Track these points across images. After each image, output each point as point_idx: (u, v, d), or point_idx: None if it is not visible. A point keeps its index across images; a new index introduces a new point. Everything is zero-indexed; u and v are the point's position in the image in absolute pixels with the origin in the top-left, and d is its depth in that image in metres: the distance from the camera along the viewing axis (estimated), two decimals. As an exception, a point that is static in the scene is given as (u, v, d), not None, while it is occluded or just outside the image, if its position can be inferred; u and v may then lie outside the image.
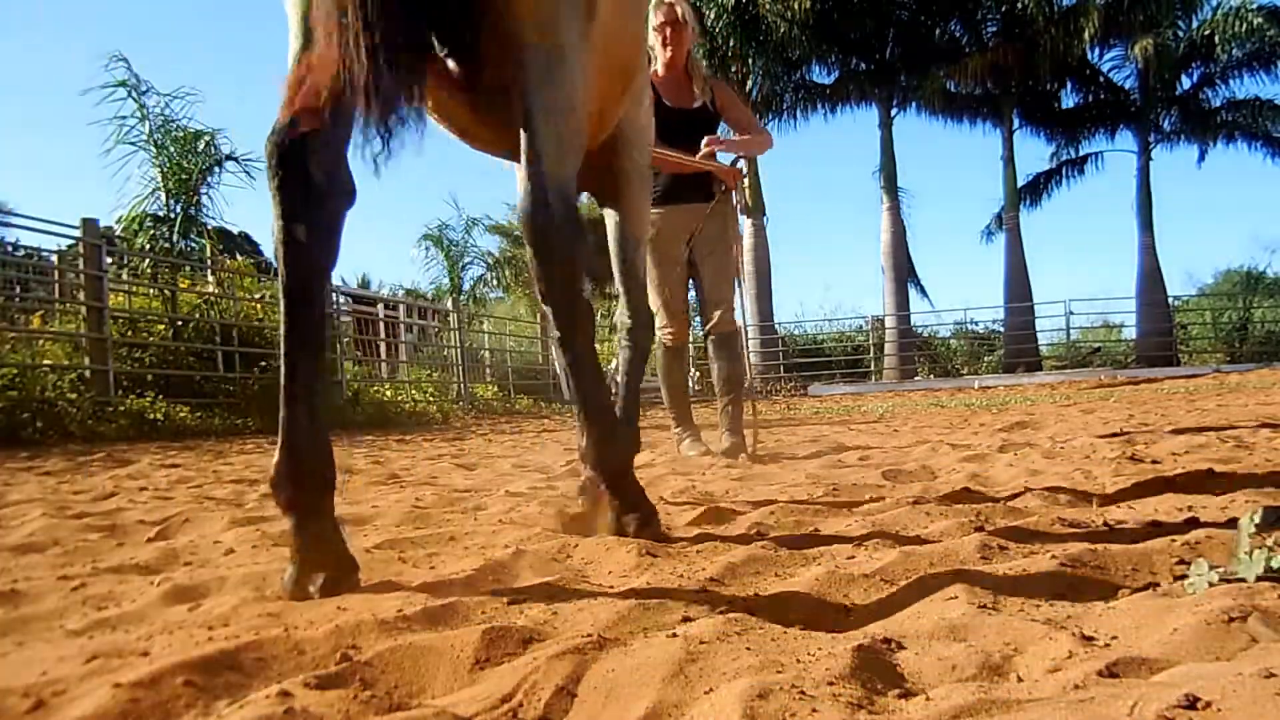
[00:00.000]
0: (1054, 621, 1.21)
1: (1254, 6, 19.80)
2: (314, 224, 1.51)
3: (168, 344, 9.37)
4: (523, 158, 1.66)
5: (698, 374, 13.71)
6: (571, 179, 1.71)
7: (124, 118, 9.62)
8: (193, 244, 10.54)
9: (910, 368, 21.81)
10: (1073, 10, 19.93)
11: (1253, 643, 1.06)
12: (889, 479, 3.13)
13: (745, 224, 21.94)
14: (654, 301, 4.33)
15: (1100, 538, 1.76)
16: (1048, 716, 0.84)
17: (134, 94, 9.59)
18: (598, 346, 2.42)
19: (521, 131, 1.67)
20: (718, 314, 4.58)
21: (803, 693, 0.93)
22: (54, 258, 10.34)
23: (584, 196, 2.39)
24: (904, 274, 22.11)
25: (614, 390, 2.75)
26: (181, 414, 8.47)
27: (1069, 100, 23.22)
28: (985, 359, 23.95)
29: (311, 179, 1.49)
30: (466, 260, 17.97)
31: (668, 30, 4.34)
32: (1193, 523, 1.85)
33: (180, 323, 9.66)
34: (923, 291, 22.97)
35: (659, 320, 4.41)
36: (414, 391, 13.92)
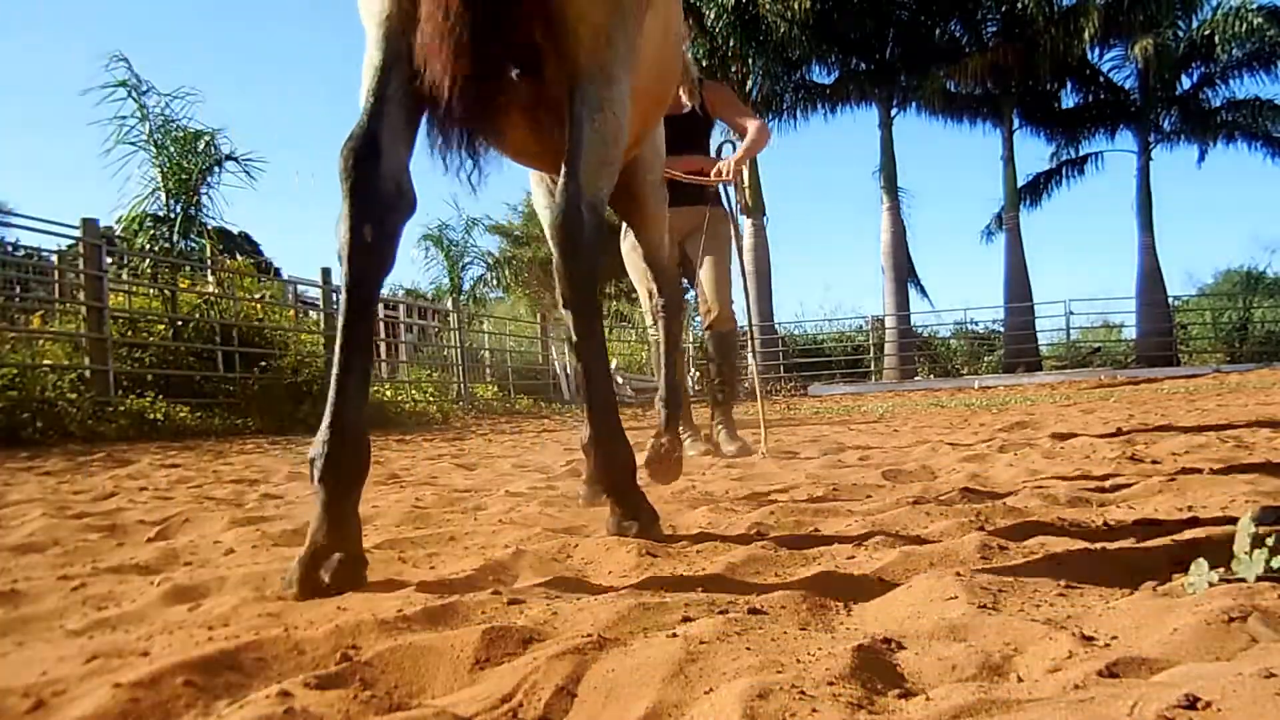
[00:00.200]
0: (1054, 621, 1.21)
1: (1254, 6, 19.81)
2: (379, 229, 1.60)
3: (168, 344, 9.37)
4: (564, 169, 1.77)
5: (697, 374, 13.75)
6: (606, 195, 1.84)
7: (124, 118, 9.62)
8: (193, 244, 10.53)
9: (910, 368, 21.81)
10: (1073, 10, 19.93)
11: (1253, 643, 1.06)
12: (889, 479, 3.13)
13: (745, 224, 21.93)
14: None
15: (1100, 538, 1.76)
16: (1048, 716, 0.84)
17: (134, 94, 9.58)
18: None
19: (567, 145, 1.78)
20: (716, 310, 4.59)
21: (803, 693, 0.93)
22: (54, 258, 10.36)
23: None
24: (904, 274, 22.11)
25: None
26: (181, 414, 8.47)
27: (1069, 100, 23.25)
28: (985, 359, 23.95)
29: (381, 187, 1.59)
30: (466, 260, 17.95)
31: None
32: (1193, 523, 1.85)
33: (180, 323, 9.66)
34: (923, 291, 22.99)
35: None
36: (414, 391, 13.93)
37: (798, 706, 0.90)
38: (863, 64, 21.85)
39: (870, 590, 1.46)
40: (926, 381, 20.04)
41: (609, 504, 2.04)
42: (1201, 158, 22.12)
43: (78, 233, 8.60)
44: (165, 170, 9.80)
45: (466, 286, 17.99)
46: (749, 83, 20.87)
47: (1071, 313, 21.53)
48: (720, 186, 4.60)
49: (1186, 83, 22.00)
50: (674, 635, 1.16)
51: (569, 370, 18.71)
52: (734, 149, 4.58)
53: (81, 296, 8.80)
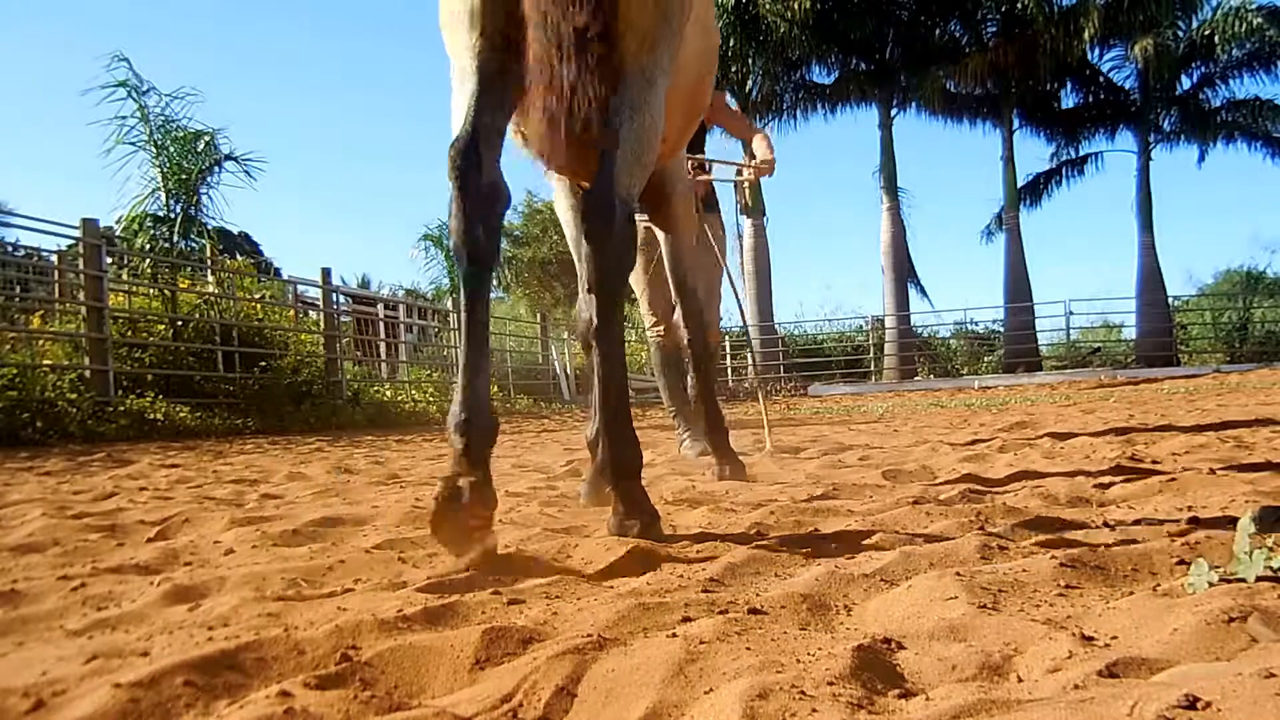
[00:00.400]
0: (1054, 621, 1.21)
1: (1254, 6, 19.80)
2: (487, 223, 1.81)
3: (168, 344, 9.37)
4: (600, 164, 1.89)
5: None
6: (636, 193, 1.98)
7: (124, 118, 9.63)
8: (193, 244, 10.54)
9: (910, 368, 21.80)
10: (1073, 10, 19.92)
11: (1253, 643, 1.06)
12: (889, 479, 3.13)
13: (745, 224, 21.95)
14: (643, 306, 4.57)
15: (1100, 538, 1.76)
16: (1048, 716, 0.84)
17: (134, 94, 9.59)
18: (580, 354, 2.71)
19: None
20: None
21: (803, 693, 0.93)
22: (54, 258, 10.34)
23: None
24: (904, 274, 22.10)
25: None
26: (181, 414, 8.47)
27: (1069, 100, 23.23)
28: (985, 359, 23.95)
29: (484, 184, 1.80)
30: (466, 260, 17.92)
31: None
32: (1193, 523, 1.85)
33: (180, 323, 9.66)
34: (923, 291, 22.97)
35: (647, 321, 4.58)
36: (414, 391, 13.93)
37: (798, 706, 0.90)
38: (863, 64, 21.85)
39: (870, 590, 1.46)
40: (926, 382, 20.04)
41: (612, 500, 2.04)
42: (1201, 158, 22.11)
43: (78, 233, 8.60)
44: (165, 170, 9.81)
45: (466, 286, 17.96)
46: (749, 83, 20.88)
47: (1071, 313, 21.54)
48: (714, 188, 4.67)
49: (1186, 83, 21.99)
50: (674, 635, 1.16)
51: (569, 370, 18.72)
52: (743, 150, 4.72)
53: (81, 296, 8.80)
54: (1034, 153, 53.00)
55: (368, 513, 2.65)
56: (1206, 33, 20.39)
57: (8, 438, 6.56)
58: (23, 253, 12.04)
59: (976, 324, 25.37)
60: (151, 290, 9.88)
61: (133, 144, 9.68)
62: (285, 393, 9.96)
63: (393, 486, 3.58)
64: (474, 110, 1.84)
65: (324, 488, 3.61)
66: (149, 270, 10.00)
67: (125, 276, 10.18)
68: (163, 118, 9.79)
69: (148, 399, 8.26)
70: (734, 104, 5.02)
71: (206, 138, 10.01)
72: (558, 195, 2.94)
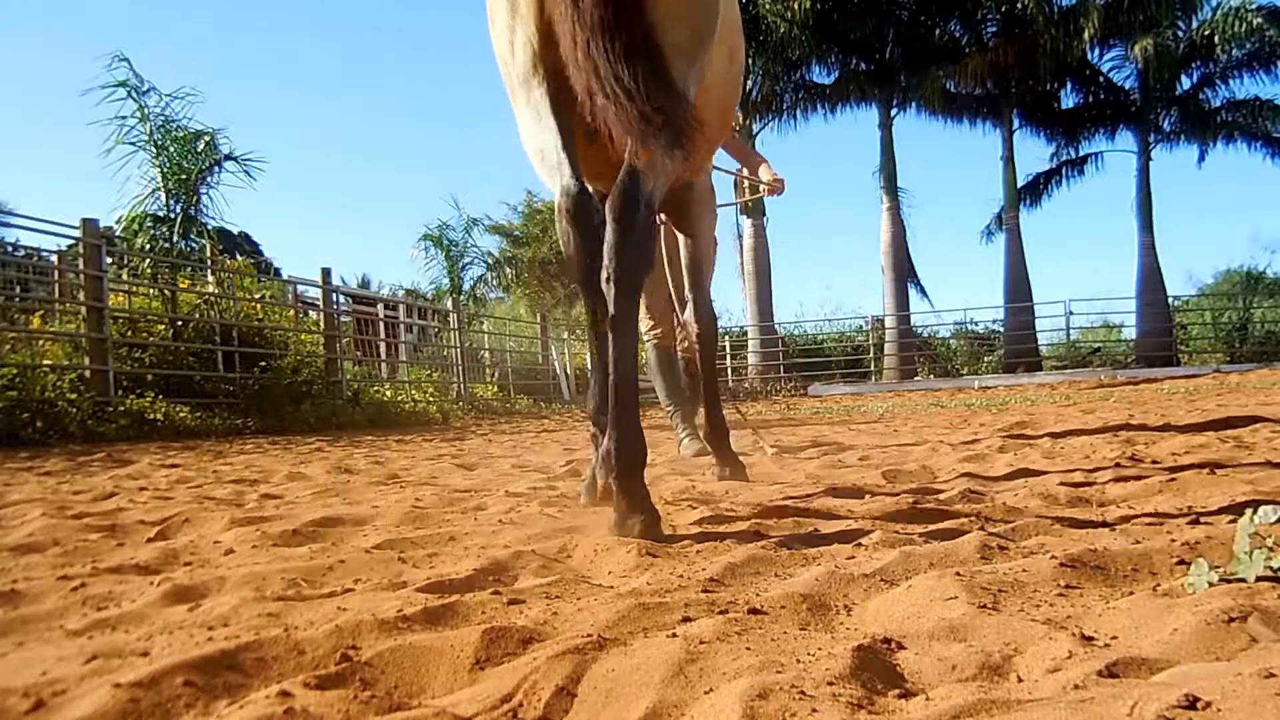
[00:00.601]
0: (1054, 621, 1.21)
1: (1254, 6, 19.81)
2: (597, 255, 2.03)
3: (168, 344, 9.37)
4: (625, 163, 2.01)
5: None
6: (658, 197, 2.10)
7: (124, 118, 9.62)
8: (193, 244, 10.53)
9: (910, 368, 21.81)
10: (1073, 10, 19.93)
11: (1253, 643, 1.06)
12: (889, 479, 3.13)
13: (745, 224, 21.96)
14: (643, 310, 4.56)
15: (1100, 538, 1.76)
16: (1048, 716, 0.84)
17: (134, 94, 9.58)
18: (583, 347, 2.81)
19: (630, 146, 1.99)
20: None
21: (803, 693, 0.93)
22: (54, 258, 10.34)
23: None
24: (904, 274, 22.10)
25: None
26: (181, 414, 8.47)
27: (1069, 100, 23.23)
28: (985, 359, 23.95)
29: (594, 227, 2.05)
30: (466, 260, 17.95)
31: None
32: (1193, 523, 1.85)
33: (180, 323, 9.66)
34: (923, 291, 22.97)
35: (644, 324, 4.56)
36: (414, 391, 13.92)
37: (798, 706, 0.90)
38: (863, 64, 21.85)
39: (870, 590, 1.46)
40: (926, 382, 20.04)
41: (613, 496, 2.03)
42: (1201, 158, 22.12)
43: (78, 233, 8.60)
44: (165, 170, 9.80)
45: (466, 286, 18.00)
46: (749, 83, 20.86)
47: (1071, 313, 21.54)
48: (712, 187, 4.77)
49: (1186, 83, 22.00)
50: (674, 635, 1.16)
51: (569, 371, 18.72)
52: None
53: (81, 296, 8.80)
54: (1034, 153, 53.07)
55: (368, 513, 2.65)
56: (1206, 33, 20.40)
57: (8, 438, 6.56)
58: (23, 253, 12.04)
59: (976, 324, 25.40)
60: (151, 290, 9.88)
61: (133, 144, 9.68)
62: (285, 393, 9.95)
63: (393, 486, 3.58)
64: (568, 162, 2.05)
65: (324, 488, 3.61)
66: (149, 270, 9.99)
67: (125, 276, 10.17)
68: (163, 118, 9.78)
69: (148, 399, 8.25)
70: (739, 113, 5.14)
71: (206, 138, 10.00)
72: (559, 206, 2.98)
